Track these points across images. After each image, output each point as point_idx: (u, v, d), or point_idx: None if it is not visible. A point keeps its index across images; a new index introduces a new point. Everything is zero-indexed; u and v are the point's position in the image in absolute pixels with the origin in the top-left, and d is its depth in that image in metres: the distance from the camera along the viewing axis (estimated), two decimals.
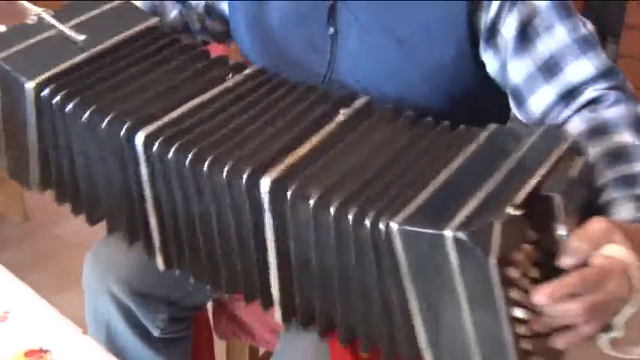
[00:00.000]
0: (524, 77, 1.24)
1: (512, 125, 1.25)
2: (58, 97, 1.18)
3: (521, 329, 0.89)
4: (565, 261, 0.90)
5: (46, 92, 1.19)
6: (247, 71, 1.27)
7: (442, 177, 0.98)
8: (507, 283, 0.87)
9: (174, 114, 1.16)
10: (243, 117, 1.16)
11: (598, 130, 1.14)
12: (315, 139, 1.09)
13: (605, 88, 1.19)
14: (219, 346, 1.63)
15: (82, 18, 1.32)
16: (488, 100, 1.32)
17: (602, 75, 1.20)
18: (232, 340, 1.59)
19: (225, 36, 1.60)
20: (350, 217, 0.95)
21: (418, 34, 1.27)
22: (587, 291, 0.86)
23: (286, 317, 1.12)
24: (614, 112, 1.16)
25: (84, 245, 1.25)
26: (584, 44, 1.21)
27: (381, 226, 0.92)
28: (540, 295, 0.86)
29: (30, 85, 1.19)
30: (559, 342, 0.90)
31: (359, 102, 1.19)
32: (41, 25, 1.30)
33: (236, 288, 1.18)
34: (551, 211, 0.93)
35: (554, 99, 1.21)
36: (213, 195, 1.09)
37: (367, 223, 0.94)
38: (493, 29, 1.24)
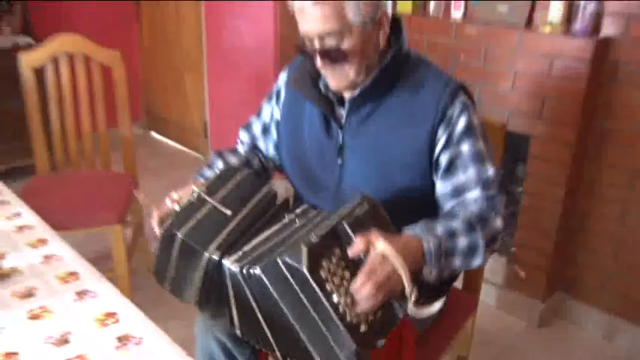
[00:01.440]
0: (442, 194, 1.25)
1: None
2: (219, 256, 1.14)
3: (341, 309, 0.96)
4: (349, 253, 1.01)
5: (214, 255, 1.14)
6: (297, 210, 1.25)
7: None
8: (319, 282, 0.95)
9: (248, 246, 1.15)
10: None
11: (447, 215, 1.20)
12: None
13: (480, 197, 1.22)
14: None
15: (224, 192, 1.26)
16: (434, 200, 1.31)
17: (486, 198, 1.21)
18: None
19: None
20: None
21: (396, 168, 1.26)
22: (371, 275, 0.98)
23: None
24: (467, 210, 1.19)
25: None
26: (486, 182, 1.23)
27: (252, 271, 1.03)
28: (352, 286, 0.98)
29: (207, 255, 1.14)
30: (363, 306, 0.98)
31: (300, 208, 1.23)
32: (200, 201, 1.23)
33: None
34: (344, 234, 1.03)
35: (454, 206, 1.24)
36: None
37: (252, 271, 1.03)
38: (437, 162, 1.25)
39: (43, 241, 1.42)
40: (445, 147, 1.23)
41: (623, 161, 2.21)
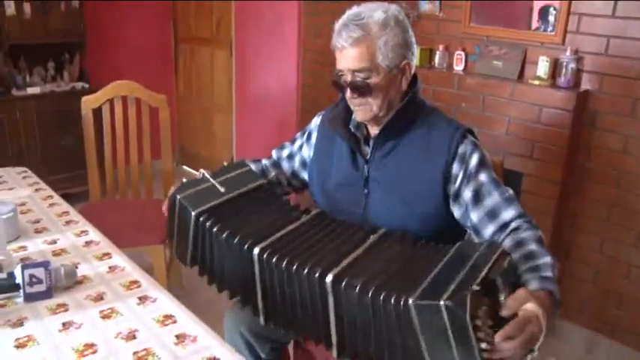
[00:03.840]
0: (478, 220, 1.28)
1: (470, 240, 1.28)
2: (207, 222, 1.26)
3: (485, 355, 0.93)
4: (504, 312, 0.98)
5: (201, 218, 1.27)
6: (312, 213, 1.31)
7: (433, 273, 1.02)
8: (475, 328, 0.92)
9: (275, 237, 1.20)
10: (313, 239, 1.20)
11: (518, 245, 1.19)
12: (357, 252, 1.14)
13: (521, 222, 1.23)
14: None
15: (226, 177, 1.40)
16: (450, 230, 1.34)
17: (519, 216, 1.24)
18: None
19: (301, 190, 1.65)
20: (381, 297, 1.00)
21: (414, 197, 1.31)
22: (519, 333, 0.96)
23: (340, 354, 1.13)
24: (526, 234, 1.20)
25: (214, 302, 1.24)
26: (509, 200, 1.26)
27: (402, 302, 0.97)
28: (498, 336, 0.94)
29: (193, 214, 1.28)
30: (503, 357, 0.95)
31: (381, 231, 1.22)
32: (203, 179, 1.39)
33: (308, 335, 1.20)
34: (496, 287, 0.99)
35: (495, 230, 1.26)
36: (298, 283, 1.12)
37: (392, 300, 0.98)
38: (457, 195, 1.29)
39: (107, 255, 1.47)
40: (464, 181, 1.28)
41: (601, 196, 2.27)
